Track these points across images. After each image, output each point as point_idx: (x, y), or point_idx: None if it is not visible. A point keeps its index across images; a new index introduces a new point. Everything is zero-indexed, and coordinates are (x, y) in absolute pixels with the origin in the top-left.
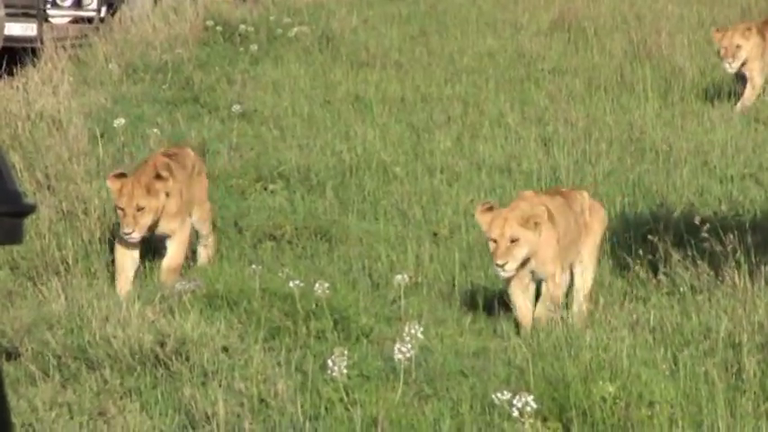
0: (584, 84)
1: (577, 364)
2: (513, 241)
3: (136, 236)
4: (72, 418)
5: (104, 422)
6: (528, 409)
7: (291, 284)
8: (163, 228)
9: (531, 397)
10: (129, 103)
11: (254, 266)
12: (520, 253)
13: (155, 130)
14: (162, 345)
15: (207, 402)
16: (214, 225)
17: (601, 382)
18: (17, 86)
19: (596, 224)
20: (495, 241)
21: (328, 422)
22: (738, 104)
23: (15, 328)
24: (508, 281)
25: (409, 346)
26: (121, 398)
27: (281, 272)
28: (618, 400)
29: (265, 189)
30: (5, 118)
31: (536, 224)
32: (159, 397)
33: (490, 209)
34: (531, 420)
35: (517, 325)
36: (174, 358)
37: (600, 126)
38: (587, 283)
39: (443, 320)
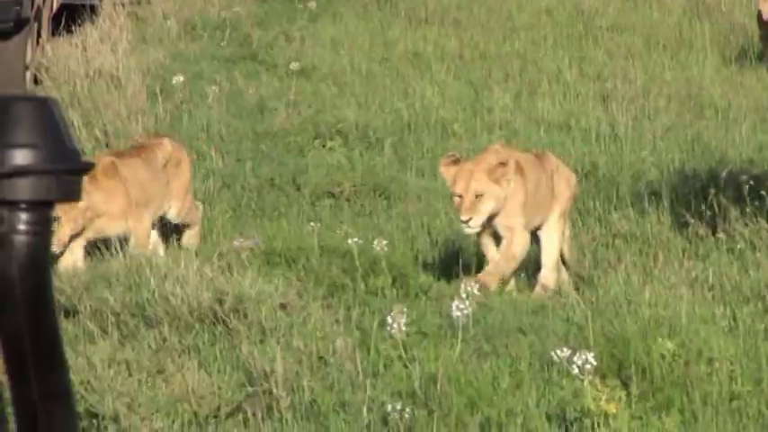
0: (642, 41)
1: (636, 321)
2: (478, 196)
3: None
4: (130, 375)
5: (163, 380)
6: (588, 366)
7: (350, 242)
8: (106, 229)
9: (591, 354)
10: (188, 61)
11: (312, 224)
12: (486, 208)
13: (213, 87)
14: (220, 302)
15: (265, 360)
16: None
17: (660, 339)
18: (76, 44)
19: (564, 188)
20: (459, 196)
21: (387, 379)
22: None
23: (74, 285)
24: (478, 237)
25: (467, 303)
26: (180, 355)
27: (340, 229)
28: (677, 357)
29: (323, 146)
30: (64, 75)
31: (504, 178)
32: (218, 354)
33: (455, 162)
34: (591, 377)
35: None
36: (232, 316)
37: (658, 83)
38: (552, 250)
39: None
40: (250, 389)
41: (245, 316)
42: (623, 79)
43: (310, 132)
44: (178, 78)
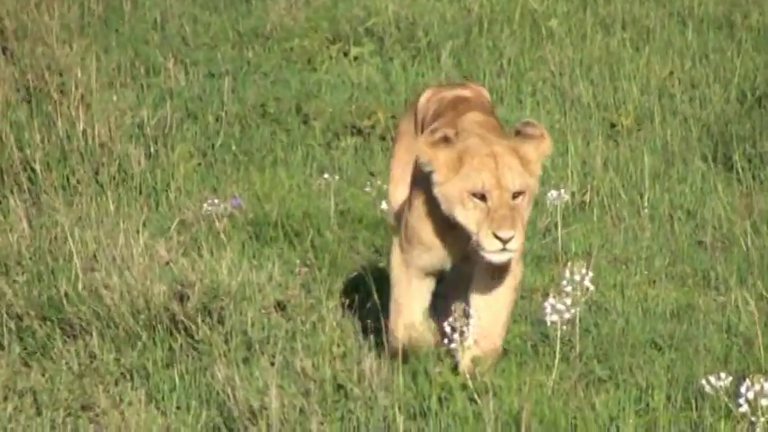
0: None
1: None
2: (517, 196)
3: None
4: (39, 413)
5: (90, 420)
6: (764, 402)
7: (385, 205)
8: None
9: None
10: None
11: (326, 176)
12: (526, 217)
13: None
14: (181, 299)
15: (252, 391)
16: None
17: None
18: None
19: None
20: (483, 198)
21: (443, 421)
22: None
23: None
24: (421, 272)
25: (570, 301)
26: (117, 382)
27: (370, 184)
28: None
29: (345, 55)
30: None
31: (539, 163)
32: (177, 381)
33: (446, 140)
34: (766, 419)
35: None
36: (200, 320)
37: None
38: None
39: (625, 260)
40: None
41: (221, 321)
42: None
43: (324, 32)
44: None
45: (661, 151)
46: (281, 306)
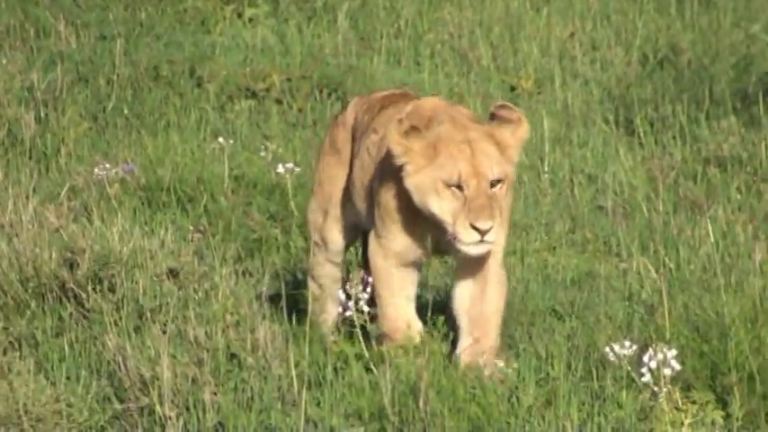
0: None
1: (740, 300)
2: (495, 184)
3: None
4: None
5: None
6: (666, 371)
7: (281, 169)
8: None
9: (673, 352)
10: None
11: (220, 140)
12: (505, 206)
13: None
14: (71, 266)
15: (143, 360)
16: None
17: None
18: None
19: None
20: (459, 188)
21: (338, 391)
22: None
23: None
24: (404, 264)
25: None
26: (5, 352)
27: (265, 148)
28: None
29: (239, 16)
30: None
31: (517, 148)
32: (66, 350)
33: (415, 130)
34: (669, 389)
35: None
36: (90, 288)
37: None
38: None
39: (526, 227)
40: (118, 406)
41: (112, 289)
42: None
43: None
44: None
45: (562, 114)
46: (173, 273)
